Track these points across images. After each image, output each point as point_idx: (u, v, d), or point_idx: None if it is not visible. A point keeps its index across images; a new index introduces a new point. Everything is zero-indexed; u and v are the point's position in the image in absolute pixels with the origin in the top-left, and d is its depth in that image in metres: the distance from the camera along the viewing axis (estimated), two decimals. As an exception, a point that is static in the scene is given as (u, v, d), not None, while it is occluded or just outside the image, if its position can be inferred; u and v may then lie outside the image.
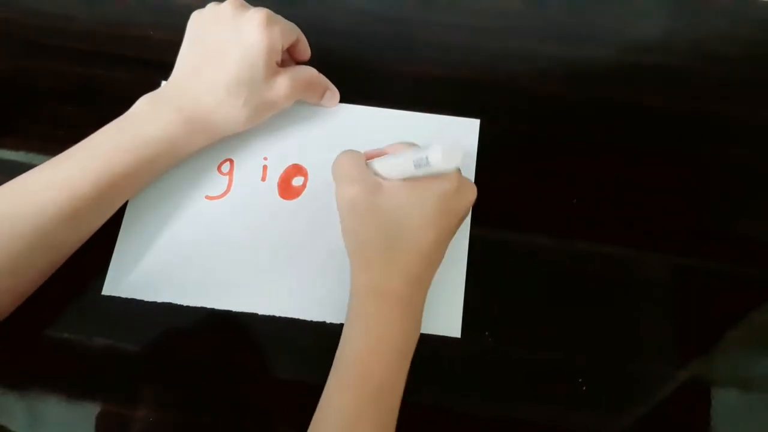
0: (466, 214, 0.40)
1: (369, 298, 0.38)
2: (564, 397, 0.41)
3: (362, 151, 0.41)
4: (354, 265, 0.39)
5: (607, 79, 0.50)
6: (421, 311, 0.39)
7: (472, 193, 0.39)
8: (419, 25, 0.52)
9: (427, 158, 0.34)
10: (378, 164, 0.39)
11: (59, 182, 0.39)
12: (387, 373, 0.37)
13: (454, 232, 0.40)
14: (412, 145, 0.41)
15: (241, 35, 0.40)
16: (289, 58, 0.45)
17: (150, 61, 0.49)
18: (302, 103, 0.47)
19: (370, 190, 0.38)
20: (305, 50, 0.46)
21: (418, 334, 0.39)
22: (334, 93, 0.47)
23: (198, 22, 0.43)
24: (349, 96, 0.48)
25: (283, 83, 0.43)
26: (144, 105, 0.42)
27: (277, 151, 0.47)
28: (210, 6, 0.43)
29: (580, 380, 0.42)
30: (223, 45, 0.41)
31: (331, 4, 0.52)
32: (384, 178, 0.39)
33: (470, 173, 0.46)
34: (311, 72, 0.45)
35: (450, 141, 0.34)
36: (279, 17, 0.42)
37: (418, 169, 0.35)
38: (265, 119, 0.44)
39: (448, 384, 0.42)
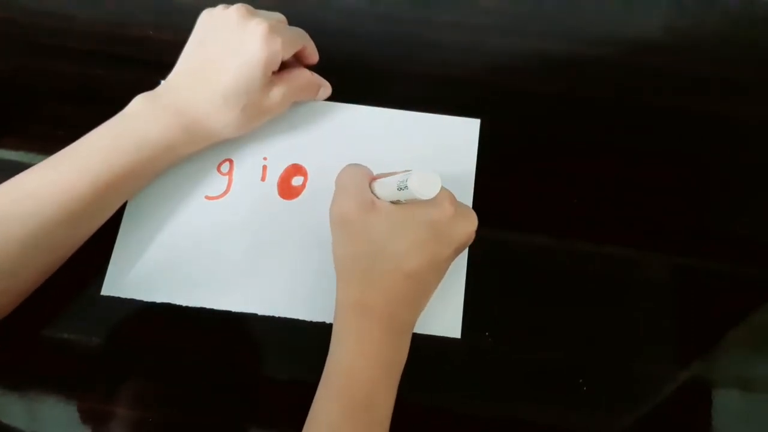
0: (466, 244, 0.40)
1: (350, 313, 0.38)
2: (564, 397, 0.41)
3: (368, 168, 0.41)
4: (338, 278, 0.40)
5: (607, 79, 0.50)
6: (410, 332, 0.39)
7: (470, 224, 0.39)
8: (419, 25, 0.52)
9: (406, 182, 0.34)
10: (375, 184, 0.40)
11: (57, 182, 0.39)
12: (373, 386, 0.37)
13: (450, 260, 0.39)
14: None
15: (242, 46, 0.40)
16: (294, 61, 0.45)
17: (150, 61, 0.49)
18: (302, 102, 0.47)
19: (363, 207, 0.38)
20: (312, 55, 0.46)
21: (406, 354, 0.39)
22: (327, 88, 0.47)
23: (206, 24, 0.43)
24: (349, 96, 0.48)
25: (279, 92, 0.43)
26: (142, 105, 0.41)
27: (277, 151, 0.47)
28: (219, 8, 0.43)
29: (580, 380, 0.42)
30: (224, 52, 0.41)
31: (332, 4, 0.52)
32: (379, 199, 0.39)
33: (470, 173, 0.46)
34: (305, 76, 0.45)
35: (430, 170, 0.34)
36: (284, 27, 0.42)
37: (400, 191, 0.36)
38: (262, 124, 0.45)
39: (448, 384, 0.42)
